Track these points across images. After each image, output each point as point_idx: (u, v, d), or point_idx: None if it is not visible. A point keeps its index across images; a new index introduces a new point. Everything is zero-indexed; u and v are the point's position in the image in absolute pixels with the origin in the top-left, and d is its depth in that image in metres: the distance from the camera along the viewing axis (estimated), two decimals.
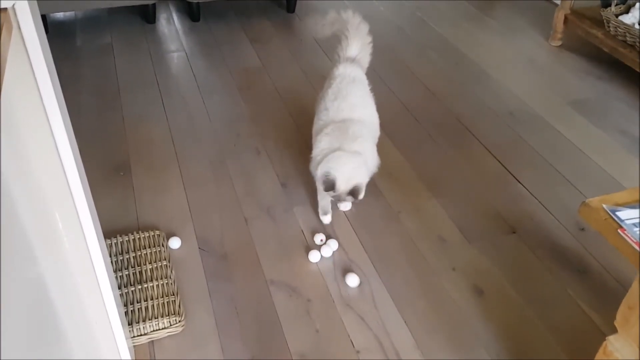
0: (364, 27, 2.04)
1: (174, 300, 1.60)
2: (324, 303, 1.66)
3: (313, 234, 1.86)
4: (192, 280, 1.71)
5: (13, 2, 0.85)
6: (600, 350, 1.02)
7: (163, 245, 1.77)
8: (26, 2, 0.87)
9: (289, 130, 2.37)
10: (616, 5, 2.73)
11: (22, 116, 0.97)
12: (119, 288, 1.62)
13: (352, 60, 2.02)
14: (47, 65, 0.95)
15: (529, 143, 2.32)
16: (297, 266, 1.77)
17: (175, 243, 1.81)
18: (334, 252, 1.81)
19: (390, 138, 2.28)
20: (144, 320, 1.54)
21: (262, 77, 2.74)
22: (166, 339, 1.55)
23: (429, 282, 1.73)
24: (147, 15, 3.19)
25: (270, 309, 1.64)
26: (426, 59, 2.95)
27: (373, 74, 2.16)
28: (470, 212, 1.99)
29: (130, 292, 1.62)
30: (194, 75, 2.73)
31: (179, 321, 1.55)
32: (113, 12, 3.32)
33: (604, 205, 1.02)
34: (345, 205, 1.96)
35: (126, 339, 1.33)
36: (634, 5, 2.72)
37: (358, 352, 1.53)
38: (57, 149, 1.02)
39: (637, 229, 0.97)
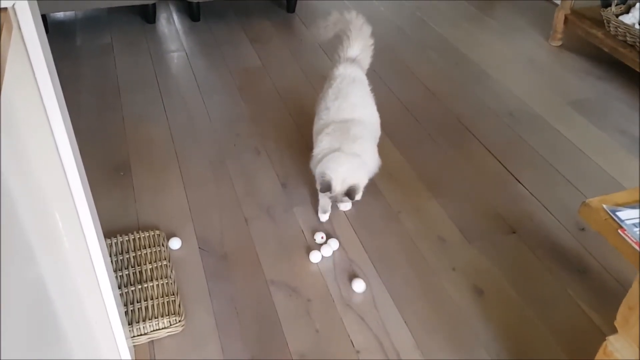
0: (367, 29, 2.04)
1: (174, 300, 1.60)
2: (324, 303, 1.66)
3: (313, 233, 1.86)
4: (192, 280, 1.71)
5: (13, 1, 0.85)
6: (600, 351, 1.02)
7: (163, 245, 1.77)
8: (26, 1, 0.87)
9: (289, 130, 2.37)
10: (616, 5, 2.73)
11: (22, 116, 0.97)
12: (119, 288, 1.62)
13: (353, 61, 2.02)
14: (47, 65, 0.95)
15: (529, 143, 2.32)
16: (297, 266, 1.77)
17: (175, 244, 1.81)
18: (334, 251, 1.81)
19: (390, 138, 2.28)
20: (143, 320, 1.54)
21: (262, 77, 2.74)
22: (166, 338, 1.55)
23: (429, 282, 1.73)
24: (147, 15, 3.19)
25: (270, 309, 1.64)
26: (426, 59, 2.95)
27: (373, 74, 2.16)
28: (470, 212, 1.99)
29: (130, 292, 1.62)
30: (194, 75, 2.73)
31: (179, 321, 1.55)
32: (113, 11, 3.32)
33: (604, 206, 1.02)
34: (345, 205, 1.96)
35: (126, 338, 1.34)
36: (634, 5, 2.72)
37: (358, 352, 1.53)
38: (57, 149, 1.02)
39: (637, 229, 0.97)
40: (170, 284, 1.65)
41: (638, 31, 2.54)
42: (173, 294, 1.62)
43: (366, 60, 2.09)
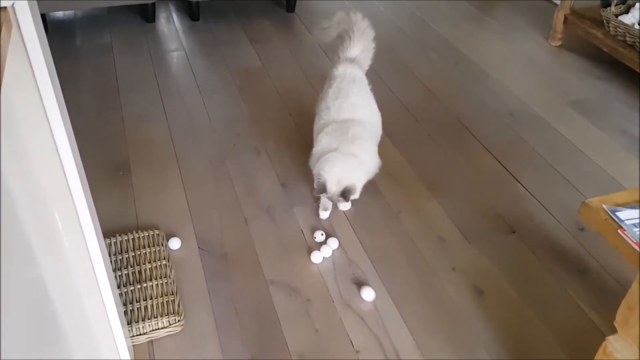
0: (370, 33, 2.04)
1: (174, 300, 1.59)
2: (324, 303, 1.66)
3: (313, 233, 1.86)
4: (191, 280, 1.71)
5: (13, 1, 0.85)
6: (600, 351, 1.02)
7: (162, 245, 1.77)
8: (26, 1, 0.87)
9: (289, 130, 2.37)
10: (616, 5, 2.73)
11: (22, 116, 0.97)
12: (119, 287, 1.62)
13: (352, 61, 2.02)
14: (47, 65, 0.94)
15: (528, 143, 2.32)
16: (296, 266, 1.77)
17: (175, 243, 1.81)
18: (333, 251, 1.81)
19: (390, 138, 2.28)
20: (143, 320, 1.54)
21: (262, 77, 2.74)
22: (165, 338, 1.54)
23: (429, 282, 1.73)
24: (147, 14, 3.18)
25: (269, 309, 1.64)
26: (426, 59, 2.95)
27: (373, 74, 2.16)
28: (470, 212, 1.99)
29: (130, 292, 1.62)
30: (194, 75, 2.73)
31: (179, 321, 1.55)
32: (113, 11, 3.32)
33: (604, 206, 1.02)
34: (345, 205, 1.96)
35: (125, 338, 1.33)
36: (633, 5, 2.72)
37: (358, 352, 1.53)
38: (56, 149, 1.02)
39: (637, 229, 0.97)
40: (169, 284, 1.65)
41: (638, 31, 2.54)
42: (172, 294, 1.61)
43: (366, 61, 2.09)
